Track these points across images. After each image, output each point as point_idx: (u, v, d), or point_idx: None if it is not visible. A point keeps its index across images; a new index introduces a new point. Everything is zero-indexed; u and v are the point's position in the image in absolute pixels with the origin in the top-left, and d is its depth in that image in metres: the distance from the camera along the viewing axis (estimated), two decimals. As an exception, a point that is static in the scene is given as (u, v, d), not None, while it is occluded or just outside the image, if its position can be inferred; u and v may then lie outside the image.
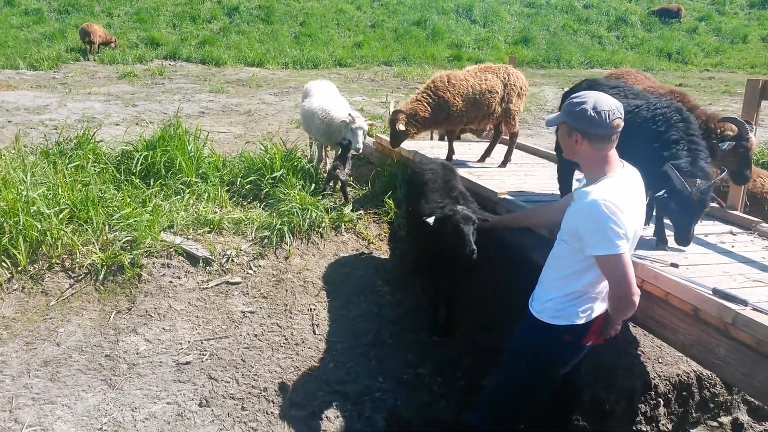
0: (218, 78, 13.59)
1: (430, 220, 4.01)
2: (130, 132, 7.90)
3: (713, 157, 4.30)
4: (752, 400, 5.11)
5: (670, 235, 3.96)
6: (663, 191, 3.56)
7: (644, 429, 4.79)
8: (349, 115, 5.88)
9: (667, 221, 3.94)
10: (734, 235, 4.38)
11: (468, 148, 7.13)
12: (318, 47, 17.25)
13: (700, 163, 3.65)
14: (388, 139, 7.05)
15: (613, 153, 2.93)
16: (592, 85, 4.26)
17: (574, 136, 2.90)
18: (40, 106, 9.70)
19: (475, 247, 3.84)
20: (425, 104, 5.92)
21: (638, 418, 4.80)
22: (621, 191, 2.84)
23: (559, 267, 3.12)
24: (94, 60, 14.83)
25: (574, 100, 2.91)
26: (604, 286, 3.00)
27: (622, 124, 2.85)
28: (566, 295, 3.06)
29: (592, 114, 2.82)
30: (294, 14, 19.43)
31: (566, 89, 15.01)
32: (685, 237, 3.70)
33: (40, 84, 11.93)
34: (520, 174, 5.98)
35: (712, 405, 5.04)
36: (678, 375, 4.93)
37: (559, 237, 3.15)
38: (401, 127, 5.91)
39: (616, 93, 4.08)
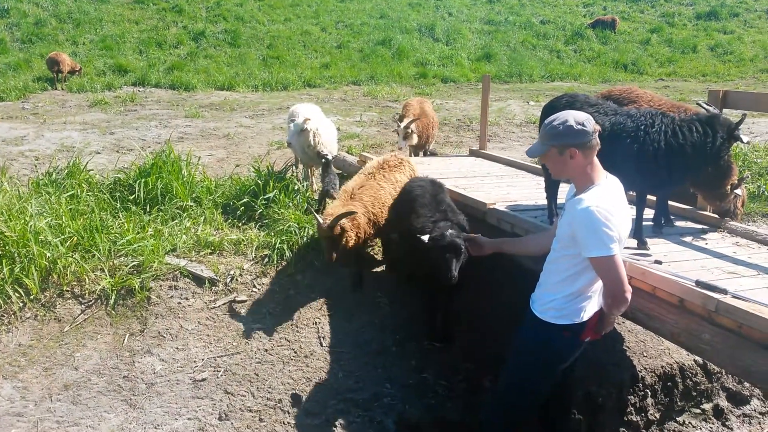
0: (190, 103, 13.66)
1: (425, 237, 4.13)
2: (112, 160, 8.00)
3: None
4: (730, 386, 5.49)
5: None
6: None
7: (634, 419, 5.10)
8: (305, 119, 6.40)
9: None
10: (706, 233, 4.75)
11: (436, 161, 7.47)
12: (286, 69, 17.46)
13: None
14: (372, 157, 7.33)
15: (597, 161, 3.25)
16: (571, 100, 4.58)
17: (567, 152, 3.17)
18: (18, 137, 9.68)
19: (455, 273, 4.00)
20: None
21: (628, 409, 5.10)
22: (610, 198, 3.14)
23: (558, 270, 3.39)
24: (62, 89, 14.76)
25: (555, 123, 3.18)
26: (599, 285, 3.30)
27: (598, 127, 3.18)
28: (566, 296, 3.34)
29: (578, 127, 3.13)
30: (260, 37, 19.63)
31: (531, 102, 15.26)
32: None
33: (10, 115, 11.85)
34: (503, 185, 6.29)
35: (694, 393, 5.38)
36: (662, 367, 5.27)
37: (555, 244, 3.44)
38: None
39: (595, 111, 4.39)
